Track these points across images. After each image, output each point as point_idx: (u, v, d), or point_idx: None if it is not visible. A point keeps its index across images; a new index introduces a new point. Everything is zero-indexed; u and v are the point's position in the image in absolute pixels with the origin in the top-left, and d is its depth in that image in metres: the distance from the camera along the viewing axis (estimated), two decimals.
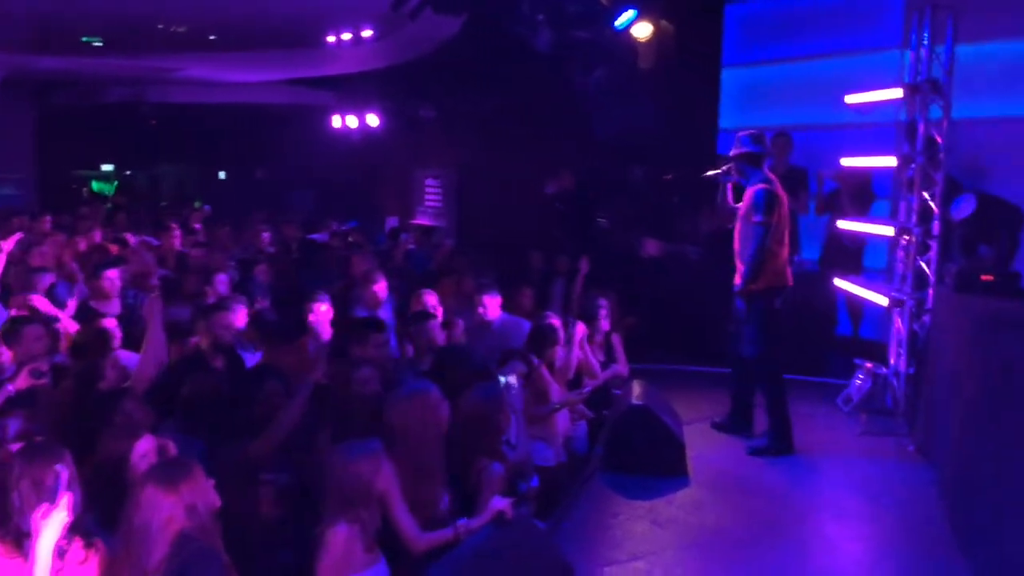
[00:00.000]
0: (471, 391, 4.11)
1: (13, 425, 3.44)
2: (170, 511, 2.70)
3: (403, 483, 3.42)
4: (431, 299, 6.04)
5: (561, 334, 5.54)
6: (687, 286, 8.27)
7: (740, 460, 5.58)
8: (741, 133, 5.82)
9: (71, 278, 6.60)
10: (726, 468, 5.43)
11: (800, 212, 7.47)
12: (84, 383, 4.18)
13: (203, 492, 2.81)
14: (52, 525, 2.53)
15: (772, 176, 5.71)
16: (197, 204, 17.83)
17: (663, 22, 7.89)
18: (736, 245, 5.76)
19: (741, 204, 5.74)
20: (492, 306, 6.21)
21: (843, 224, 6.80)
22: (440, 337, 5.53)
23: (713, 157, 9.22)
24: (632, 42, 7.81)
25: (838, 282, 6.85)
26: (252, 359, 5.13)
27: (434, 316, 5.64)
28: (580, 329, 5.81)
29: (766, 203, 5.51)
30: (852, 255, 7.39)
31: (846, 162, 6.95)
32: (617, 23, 7.31)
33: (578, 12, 7.10)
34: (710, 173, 6.00)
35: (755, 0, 9.29)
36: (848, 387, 6.56)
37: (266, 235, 10.26)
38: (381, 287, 6.41)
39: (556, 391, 5.34)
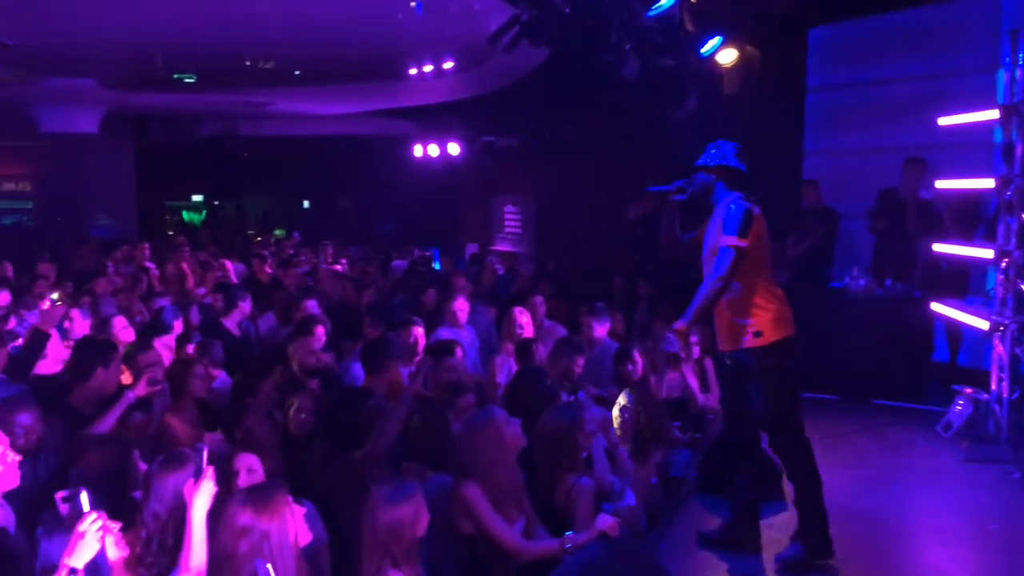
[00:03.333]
0: (547, 412, 4.20)
1: None
2: (244, 536, 2.65)
3: None
4: (522, 317, 6.21)
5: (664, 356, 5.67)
6: None
7: (838, 486, 5.47)
8: (721, 142, 4.36)
9: (184, 302, 6.97)
10: (825, 494, 5.35)
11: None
12: None
13: (282, 523, 2.71)
14: (203, 495, 2.71)
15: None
16: (279, 232, 18.47)
17: (748, 48, 7.86)
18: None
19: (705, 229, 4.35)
20: (598, 329, 6.43)
21: (939, 247, 6.67)
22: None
23: (798, 181, 9.19)
24: (717, 68, 7.81)
25: (935, 307, 6.70)
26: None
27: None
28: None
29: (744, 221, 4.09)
30: (954, 279, 7.18)
31: (941, 184, 6.84)
32: (703, 50, 7.32)
33: (664, 40, 7.14)
34: (666, 188, 4.47)
35: (839, 23, 9.24)
36: (948, 413, 6.39)
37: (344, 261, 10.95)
38: (462, 306, 6.63)
39: None
